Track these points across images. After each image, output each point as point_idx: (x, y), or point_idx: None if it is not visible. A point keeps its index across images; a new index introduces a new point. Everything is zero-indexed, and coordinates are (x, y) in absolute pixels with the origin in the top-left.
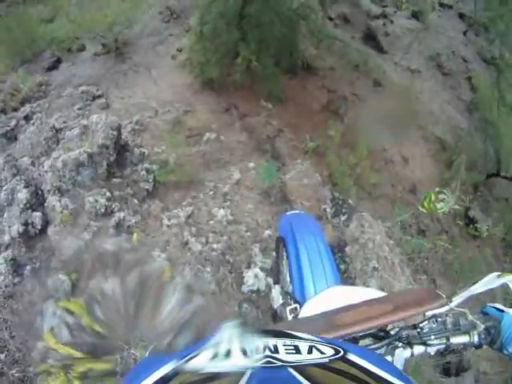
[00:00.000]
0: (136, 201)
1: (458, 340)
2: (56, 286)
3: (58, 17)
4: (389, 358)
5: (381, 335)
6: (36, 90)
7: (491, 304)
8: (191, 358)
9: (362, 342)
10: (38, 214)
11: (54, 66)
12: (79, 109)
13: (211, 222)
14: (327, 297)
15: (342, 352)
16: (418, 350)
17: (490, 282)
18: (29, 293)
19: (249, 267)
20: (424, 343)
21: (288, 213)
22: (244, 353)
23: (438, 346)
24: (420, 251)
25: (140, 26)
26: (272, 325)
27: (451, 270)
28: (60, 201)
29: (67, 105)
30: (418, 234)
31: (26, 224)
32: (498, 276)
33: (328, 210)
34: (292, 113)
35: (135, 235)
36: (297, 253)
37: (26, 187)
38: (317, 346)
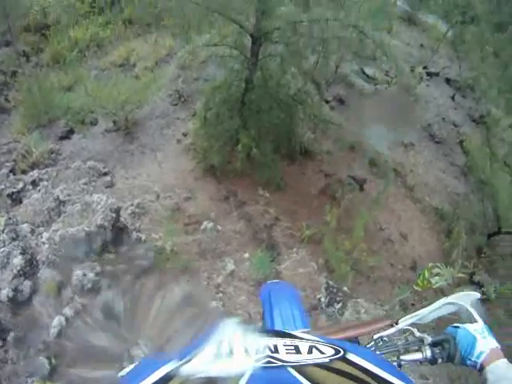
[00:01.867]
0: (129, 277)
1: (410, 357)
2: (36, 366)
3: (77, 87)
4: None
5: None
6: (47, 156)
7: (451, 325)
8: (191, 358)
9: None
10: (28, 283)
11: (67, 135)
12: (84, 183)
13: None
14: None
15: (342, 352)
16: None
17: (438, 305)
18: (13, 362)
19: None
20: None
21: (269, 282)
22: (244, 352)
23: None
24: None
25: (150, 107)
26: None
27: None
28: (51, 272)
29: (73, 177)
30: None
31: (15, 290)
32: (445, 299)
33: (322, 299)
34: (290, 200)
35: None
36: (271, 315)
37: (22, 254)
38: (317, 346)
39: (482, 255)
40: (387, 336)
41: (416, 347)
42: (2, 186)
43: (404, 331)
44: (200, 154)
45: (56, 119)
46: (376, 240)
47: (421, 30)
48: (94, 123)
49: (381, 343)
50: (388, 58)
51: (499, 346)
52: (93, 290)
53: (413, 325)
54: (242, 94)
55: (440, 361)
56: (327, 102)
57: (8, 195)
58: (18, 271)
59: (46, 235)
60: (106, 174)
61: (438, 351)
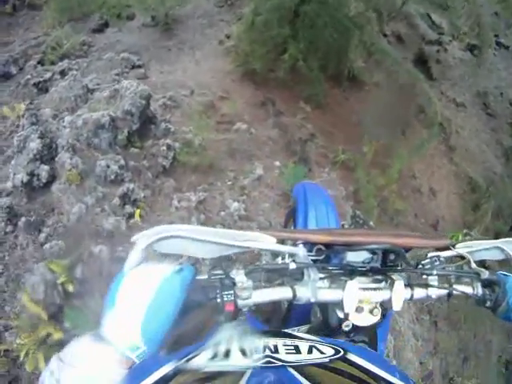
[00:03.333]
0: (150, 175)
1: (461, 288)
2: (52, 251)
3: None
4: (387, 293)
5: (382, 267)
6: (78, 48)
7: (500, 271)
8: (191, 358)
9: (365, 273)
10: (45, 168)
11: (101, 28)
12: (116, 74)
13: (222, 212)
14: None
15: (342, 352)
16: (419, 292)
17: (492, 245)
18: (22, 247)
19: None
20: (425, 285)
21: (303, 181)
22: (244, 353)
23: (440, 291)
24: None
25: (193, 5)
26: None
27: (455, 316)
28: (71, 159)
29: (105, 68)
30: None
31: (31, 175)
32: (501, 241)
33: (346, 226)
34: (328, 120)
35: (138, 212)
36: (305, 214)
37: (40, 138)
38: (317, 345)
39: None
40: (442, 257)
41: (468, 280)
42: (29, 76)
43: (459, 258)
44: (241, 58)
45: (90, 13)
46: (407, 186)
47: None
48: (130, 17)
49: (437, 263)
50: (472, 11)
51: None
52: (115, 182)
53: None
54: (295, 5)
55: (488, 303)
56: (385, 35)
57: (34, 84)
58: (35, 155)
59: (68, 119)
60: (139, 66)
61: (488, 292)
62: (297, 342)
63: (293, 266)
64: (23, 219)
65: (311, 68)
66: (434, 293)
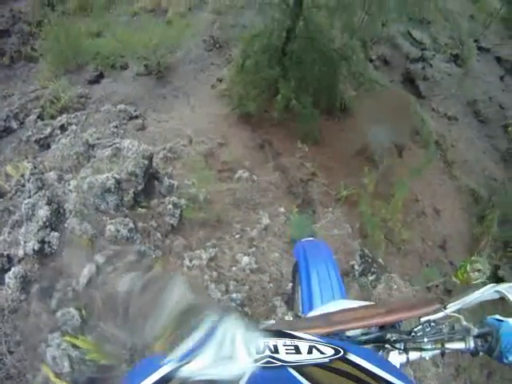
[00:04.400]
0: (159, 235)
1: (454, 346)
2: (65, 319)
3: (105, 33)
4: None
5: (376, 339)
6: (76, 101)
7: (491, 316)
8: (191, 359)
9: (353, 331)
10: (55, 235)
11: (96, 80)
12: (115, 127)
13: (234, 268)
14: (331, 306)
15: (342, 352)
16: (414, 355)
17: (485, 291)
18: (36, 315)
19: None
20: (419, 348)
21: (302, 239)
22: (244, 353)
23: (433, 352)
24: None
25: (183, 52)
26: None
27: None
28: (80, 224)
29: (103, 121)
30: (443, 295)
31: (42, 242)
32: (494, 286)
33: (356, 266)
34: (327, 155)
35: (157, 265)
36: (308, 276)
37: (48, 204)
38: (317, 346)
39: (509, 249)
40: (434, 321)
41: (461, 336)
42: (30, 133)
43: (450, 317)
44: (235, 101)
45: (85, 64)
46: (410, 211)
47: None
48: (124, 67)
49: (428, 328)
50: (450, 24)
51: None
52: (126, 242)
53: (459, 311)
54: (282, 44)
55: (481, 353)
56: (371, 60)
57: (35, 141)
58: (44, 223)
59: (73, 183)
60: (137, 117)
61: (480, 343)
62: (297, 342)
63: None
64: (36, 286)
65: (304, 105)
66: (428, 354)
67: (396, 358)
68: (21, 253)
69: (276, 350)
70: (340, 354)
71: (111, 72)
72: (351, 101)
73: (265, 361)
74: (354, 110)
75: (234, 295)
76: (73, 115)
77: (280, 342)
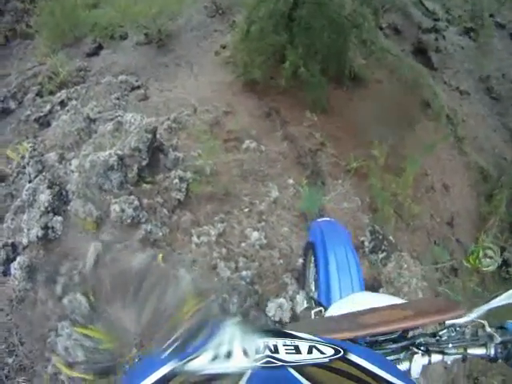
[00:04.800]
0: (166, 211)
1: (475, 351)
2: (73, 306)
3: (102, 4)
4: (406, 364)
5: (401, 340)
6: (75, 74)
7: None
8: (192, 359)
9: (383, 345)
10: (59, 219)
11: (95, 52)
12: (117, 98)
13: (243, 244)
14: (352, 301)
15: (342, 352)
16: (436, 358)
17: (510, 296)
18: (42, 302)
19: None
20: (442, 352)
21: (319, 219)
22: (244, 353)
23: (455, 356)
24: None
25: (184, 19)
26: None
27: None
28: (84, 206)
29: (104, 93)
30: (450, 273)
31: (45, 228)
32: None
33: (366, 243)
34: (335, 125)
35: (160, 256)
36: (326, 260)
37: (49, 187)
38: (317, 345)
39: None
40: (459, 325)
41: (483, 342)
42: (29, 112)
43: (474, 322)
44: (240, 68)
45: (82, 37)
46: (420, 186)
47: None
48: (123, 37)
49: (454, 333)
50: None
51: None
52: (132, 225)
53: (483, 315)
54: (289, 9)
55: (500, 360)
56: (381, 29)
57: (35, 120)
58: (46, 208)
59: (75, 162)
60: (139, 87)
61: (500, 350)
62: (297, 342)
63: None
64: (41, 273)
65: (312, 73)
66: (450, 359)
67: (419, 360)
68: (25, 240)
69: (276, 350)
70: (340, 354)
71: (110, 43)
72: (361, 70)
73: (264, 361)
74: (364, 79)
75: (243, 273)
76: (72, 90)
77: (280, 342)
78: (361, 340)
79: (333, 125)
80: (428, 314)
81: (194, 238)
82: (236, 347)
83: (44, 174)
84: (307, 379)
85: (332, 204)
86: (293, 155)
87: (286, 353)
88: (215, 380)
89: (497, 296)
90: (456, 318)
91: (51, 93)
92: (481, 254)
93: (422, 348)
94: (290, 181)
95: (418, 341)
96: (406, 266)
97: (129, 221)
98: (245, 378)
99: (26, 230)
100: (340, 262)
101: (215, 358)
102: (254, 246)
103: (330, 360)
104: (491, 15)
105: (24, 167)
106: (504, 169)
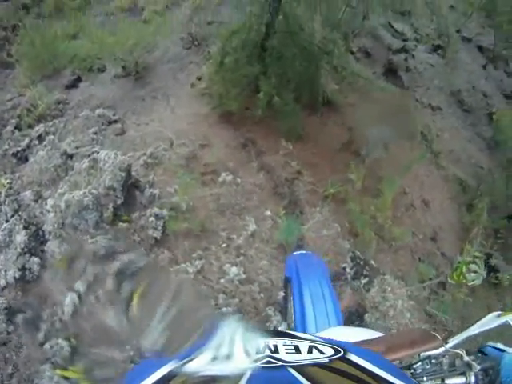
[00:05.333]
0: (142, 249)
1: (454, 381)
2: (54, 350)
3: (82, 35)
4: None
5: None
6: (53, 107)
7: (491, 343)
8: (191, 359)
9: None
10: (35, 260)
11: (74, 84)
12: (94, 133)
13: (222, 280)
14: (328, 335)
15: (342, 352)
16: None
17: (489, 321)
18: (27, 346)
19: None
20: None
21: (295, 253)
22: (244, 353)
23: None
24: (439, 308)
25: (161, 51)
26: None
27: (468, 324)
28: (60, 247)
29: (82, 127)
30: (437, 288)
31: (22, 269)
32: (498, 315)
33: (348, 269)
34: (311, 152)
35: (135, 301)
36: (300, 294)
37: (25, 228)
38: (317, 346)
39: (499, 235)
40: (434, 356)
41: (461, 371)
42: (6, 146)
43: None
44: (215, 100)
45: (61, 69)
46: (399, 205)
47: None
48: (102, 70)
49: (428, 366)
50: (433, 14)
51: None
52: (106, 256)
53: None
54: (262, 40)
55: None
56: (352, 53)
57: (13, 154)
58: (23, 249)
59: (50, 202)
60: (116, 121)
61: (480, 377)
62: (297, 342)
63: None
64: (20, 316)
65: (286, 101)
66: None
67: None
68: (2, 282)
69: (276, 350)
70: (340, 354)
71: (89, 75)
72: (334, 95)
73: (265, 361)
74: (337, 104)
75: (223, 309)
76: (51, 123)
77: (280, 342)
78: None
79: (308, 151)
80: (401, 348)
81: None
82: (236, 347)
83: (20, 213)
84: (307, 379)
85: (311, 233)
86: (269, 186)
87: (286, 353)
88: (215, 380)
89: (474, 323)
90: (431, 349)
91: (30, 126)
92: (464, 270)
93: None
94: (268, 212)
95: None
96: (389, 288)
97: (103, 252)
98: (245, 378)
99: (3, 272)
100: (315, 296)
101: (215, 358)
102: (234, 282)
103: (330, 360)
104: (458, 30)
105: (0, 204)
106: (481, 177)
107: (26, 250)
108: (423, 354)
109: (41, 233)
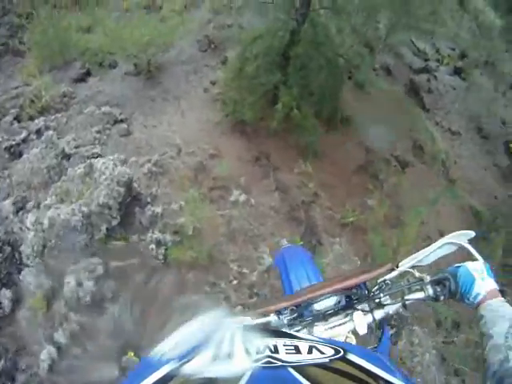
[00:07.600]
0: (139, 279)
1: (413, 296)
2: None
3: (96, 28)
4: (351, 325)
5: (341, 311)
6: (58, 100)
7: (455, 265)
8: (191, 359)
9: (327, 317)
10: (8, 294)
11: (83, 78)
12: (97, 132)
13: None
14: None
15: (342, 352)
16: (378, 313)
17: (438, 245)
18: None
19: None
20: (381, 305)
21: (282, 247)
22: (244, 353)
23: (395, 305)
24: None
25: (176, 51)
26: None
27: (481, 365)
28: (36, 277)
29: (86, 125)
30: (452, 328)
31: None
32: (445, 239)
33: None
34: (328, 171)
35: (130, 354)
36: (289, 281)
37: None
38: (317, 346)
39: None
40: (390, 279)
41: (418, 287)
42: (0, 139)
43: (405, 274)
44: (229, 106)
45: (71, 61)
46: (418, 236)
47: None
48: (113, 66)
49: (384, 286)
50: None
51: (497, 287)
52: (94, 304)
53: (413, 267)
54: (285, 47)
55: (442, 298)
56: (374, 69)
57: (6, 148)
58: None
59: (31, 218)
60: (122, 121)
61: (439, 289)
62: (297, 342)
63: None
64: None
65: (306, 115)
66: (391, 309)
67: (362, 319)
68: None
69: (276, 350)
70: (340, 354)
71: (99, 70)
72: (354, 112)
73: (265, 361)
74: (356, 122)
75: None
76: (52, 117)
77: (280, 342)
78: (307, 313)
79: (325, 171)
80: (356, 275)
81: None
82: (236, 347)
83: None
84: (307, 379)
85: (331, 267)
86: (285, 209)
87: (286, 353)
88: (215, 380)
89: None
90: (384, 274)
91: (30, 118)
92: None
93: (361, 307)
94: (284, 241)
95: (355, 304)
96: (417, 341)
97: (88, 298)
98: (245, 378)
99: None
100: (300, 278)
101: (215, 358)
102: None
103: (330, 360)
104: (480, 54)
105: None
106: (497, 208)
107: None
108: (380, 280)
109: (17, 255)
